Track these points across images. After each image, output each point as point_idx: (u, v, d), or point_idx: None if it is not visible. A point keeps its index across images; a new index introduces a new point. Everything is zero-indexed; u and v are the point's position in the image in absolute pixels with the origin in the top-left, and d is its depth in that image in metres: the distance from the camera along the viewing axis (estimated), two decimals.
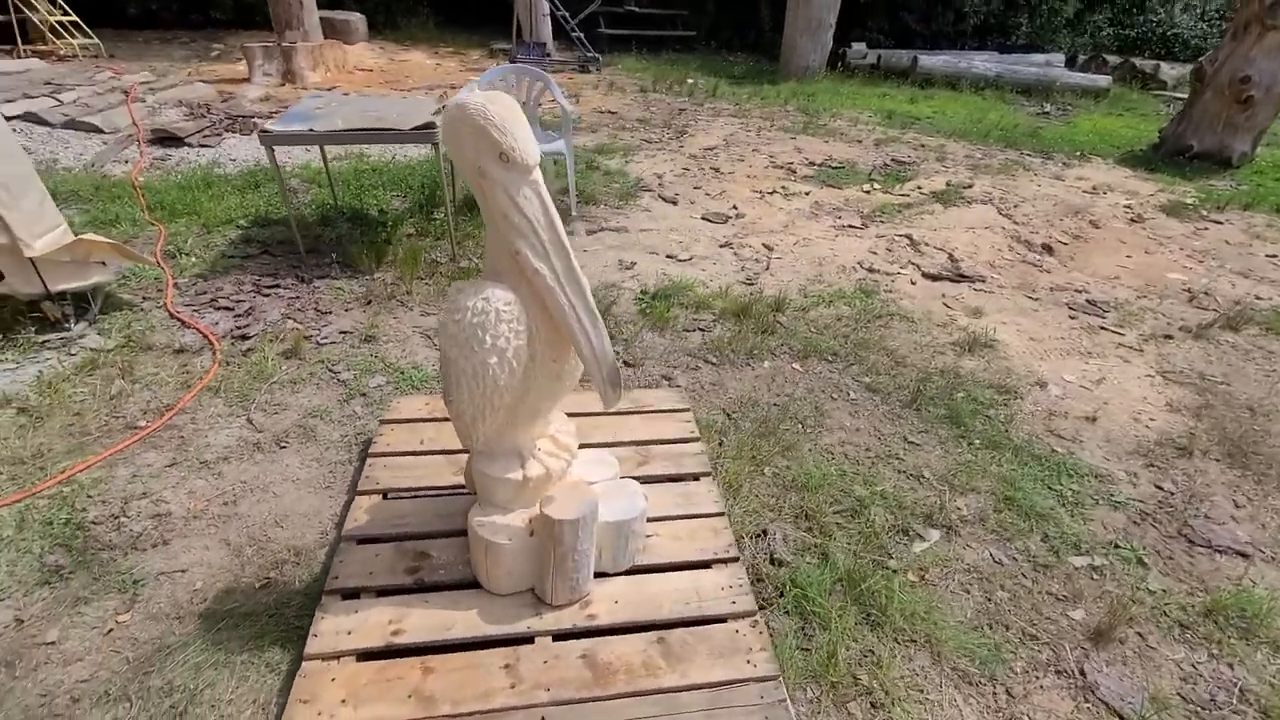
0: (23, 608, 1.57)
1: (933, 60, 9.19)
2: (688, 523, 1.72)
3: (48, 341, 2.54)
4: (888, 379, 2.60)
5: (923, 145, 6.04)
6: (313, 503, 1.91)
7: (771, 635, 1.54)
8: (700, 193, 4.54)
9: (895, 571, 1.77)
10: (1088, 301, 3.35)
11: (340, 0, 11.12)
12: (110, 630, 1.54)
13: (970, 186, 4.96)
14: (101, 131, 4.64)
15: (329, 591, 1.50)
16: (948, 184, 4.98)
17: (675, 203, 4.33)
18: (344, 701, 1.28)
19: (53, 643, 1.50)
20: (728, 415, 2.35)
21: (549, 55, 9.69)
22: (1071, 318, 3.20)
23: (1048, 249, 3.96)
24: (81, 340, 2.57)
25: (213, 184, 4.06)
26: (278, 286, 3.04)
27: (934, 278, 3.49)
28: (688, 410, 2.16)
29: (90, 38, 8.10)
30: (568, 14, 8.90)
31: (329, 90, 6.71)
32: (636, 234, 3.82)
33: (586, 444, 1.93)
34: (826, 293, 3.24)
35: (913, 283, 3.44)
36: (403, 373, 2.49)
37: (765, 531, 1.85)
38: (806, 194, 4.64)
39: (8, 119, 4.63)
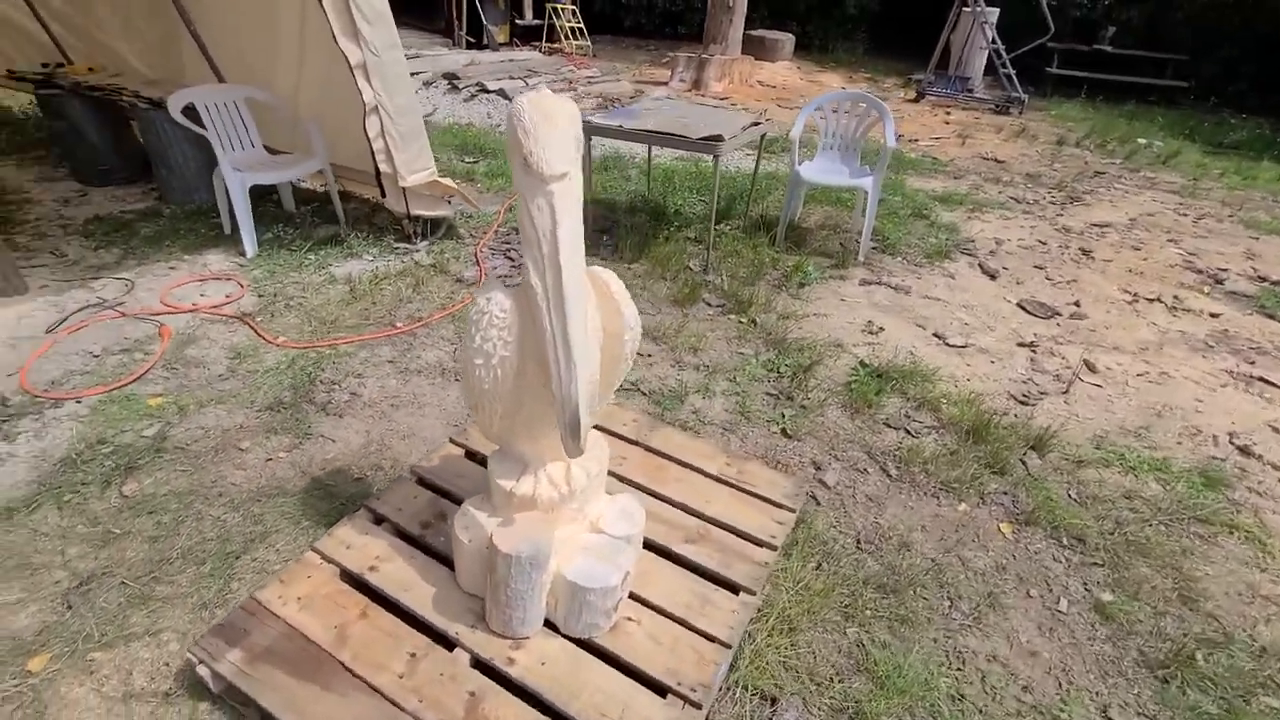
0: (246, 418, 2.20)
1: None
2: (679, 631, 1.42)
3: (398, 249, 3.43)
4: (1146, 612, 1.68)
5: None
6: (439, 433, 2.18)
7: None
8: (1039, 274, 3.56)
9: None
10: None
11: (783, 21, 11.89)
12: (269, 460, 2.04)
13: None
14: None
15: (366, 508, 1.70)
16: None
17: (995, 276, 3.49)
18: (299, 599, 1.45)
19: (243, 449, 2.07)
20: (858, 544, 1.84)
21: (970, 90, 8.73)
22: None
23: None
24: (415, 255, 3.40)
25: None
26: None
27: None
28: (792, 512, 1.76)
29: (586, 40, 10.36)
30: (1002, 48, 7.82)
31: (721, 100, 7.31)
32: (916, 300, 3.22)
33: (656, 494, 1.76)
34: (1140, 457, 2.23)
35: None
36: None
37: (775, 703, 1.41)
38: (1211, 316, 3.23)
39: (489, 91, 6.28)
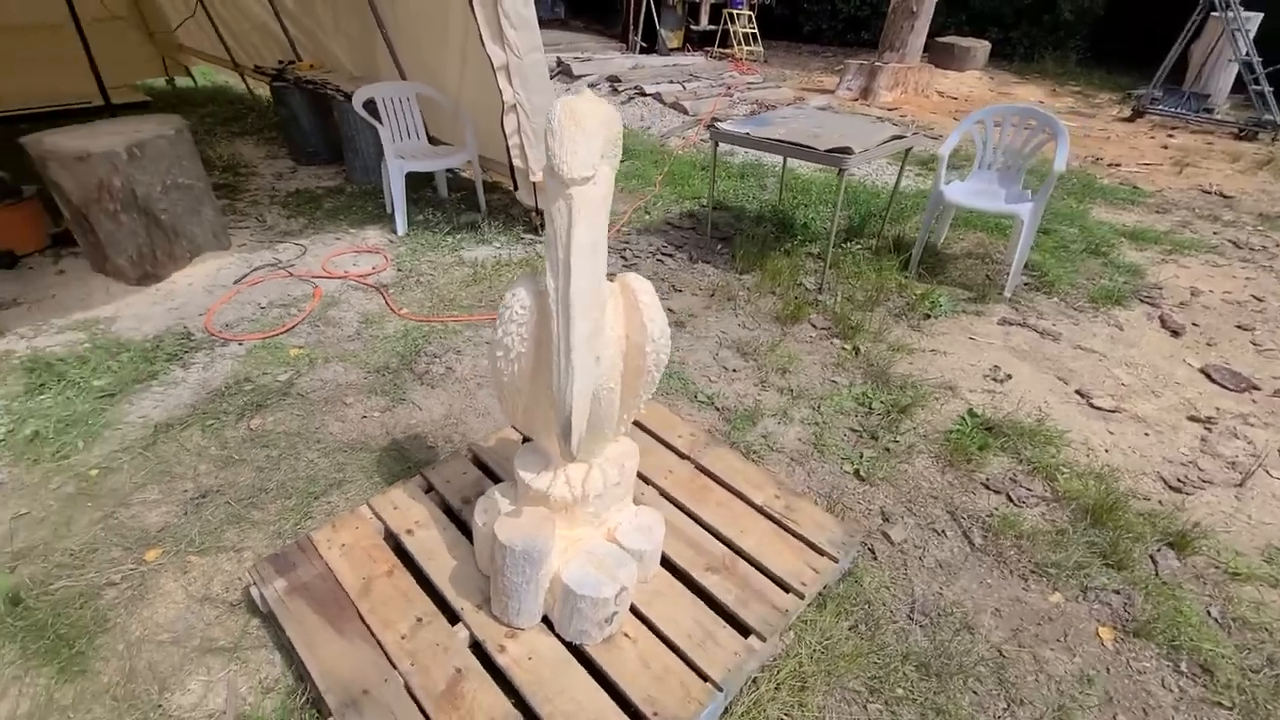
0: (357, 377, 2.46)
1: None
2: (672, 661, 1.36)
3: (524, 239, 3.64)
4: None
5: None
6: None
7: None
8: (1243, 337, 2.91)
9: None
10: None
11: (982, 28, 10.86)
12: (364, 417, 2.27)
13: None
14: (686, 114, 6.00)
15: (421, 475, 1.83)
16: None
17: (1178, 333, 2.91)
18: (342, 546, 1.60)
19: (347, 404, 2.32)
20: (910, 612, 1.63)
21: (1208, 110, 7.36)
22: None
23: None
24: (539, 245, 3.59)
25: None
26: (669, 256, 3.50)
27: None
28: (834, 561, 1.61)
29: (758, 46, 10.23)
30: (1258, 61, 6.45)
31: (890, 110, 6.85)
32: (1065, 349, 2.78)
33: (692, 514, 1.71)
34: None
35: None
36: (668, 369, 2.60)
37: None
38: None
39: (646, 94, 6.44)
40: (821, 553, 1.62)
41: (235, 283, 3.12)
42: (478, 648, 1.40)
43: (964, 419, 2.28)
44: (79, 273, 3.17)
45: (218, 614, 1.59)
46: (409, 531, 1.64)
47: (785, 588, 1.53)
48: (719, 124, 3.25)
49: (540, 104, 3.15)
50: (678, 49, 10.09)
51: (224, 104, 6.32)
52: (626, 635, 1.41)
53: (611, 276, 1.33)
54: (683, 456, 1.92)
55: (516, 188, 3.53)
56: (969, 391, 2.46)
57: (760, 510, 1.73)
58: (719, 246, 3.56)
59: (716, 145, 3.36)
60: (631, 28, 9.36)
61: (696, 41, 10.53)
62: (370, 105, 3.62)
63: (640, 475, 1.83)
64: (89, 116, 3.27)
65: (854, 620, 1.59)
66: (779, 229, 3.82)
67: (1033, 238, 3.12)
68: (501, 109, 3.09)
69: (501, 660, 1.35)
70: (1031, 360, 2.69)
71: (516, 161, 3.31)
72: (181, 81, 6.95)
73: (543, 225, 3.63)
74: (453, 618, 1.45)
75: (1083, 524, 1.87)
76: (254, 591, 1.53)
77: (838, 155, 2.82)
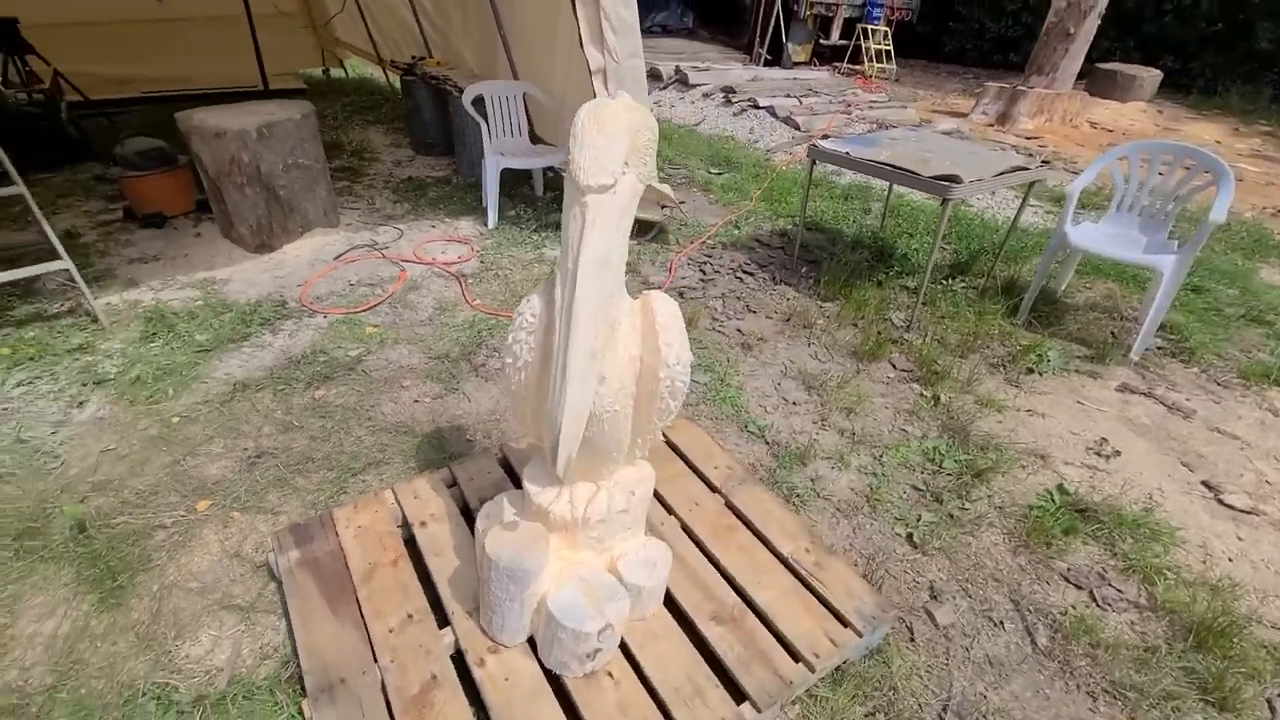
0: (419, 361, 2.53)
1: None
2: (650, 714, 1.25)
3: None
4: None
5: None
6: None
7: None
8: None
9: None
10: None
11: (1155, 55, 9.74)
12: (416, 401, 2.33)
13: None
14: (798, 130, 5.79)
15: (447, 468, 1.83)
16: None
17: None
18: (358, 527, 1.62)
19: (404, 387, 2.40)
20: (942, 712, 1.42)
21: None
22: None
23: None
24: None
25: (816, 186, 4.60)
26: (750, 275, 3.36)
27: None
28: (858, 635, 1.43)
29: (890, 64, 9.74)
30: None
31: (1029, 139, 6.27)
32: (1197, 429, 2.37)
33: (710, 555, 1.59)
34: None
35: None
36: (722, 393, 2.48)
37: None
38: None
39: (760, 107, 6.29)
40: (845, 622, 1.45)
41: (335, 259, 3.33)
42: (460, 657, 1.36)
43: (1051, 495, 1.99)
44: (211, 237, 3.51)
45: (242, 572, 1.67)
46: (423, 524, 1.64)
47: (795, 655, 1.38)
48: (818, 142, 3.07)
49: None
50: (803, 63, 9.81)
51: (365, 94, 6.86)
52: (610, 675, 1.32)
53: (641, 292, 1.25)
54: (713, 489, 1.80)
55: None
56: (1064, 464, 2.15)
57: (785, 562, 1.58)
58: (805, 269, 3.37)
59: (814, 164, 3.18)
60: (757, 39, 9.21)
61: (827, 57, 10.19)
62: (479, 102, 3.75)
63: (663, 502, 1.74)
64: (247, 100, 3.62)
65: (872, 707, 1.40)
66: (875, 257, 3.57)
67: (1174, 295, 2.69)
68: None
69: (478, 674, 1.31)
70: (1151, 437, 2.31)
71: None
72: (335, 73, 7.63)
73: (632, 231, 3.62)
74: (443, 620, 1.43)
75: (1182, 644, 1.56)
76: (270, 557, 1.58)
77: (942, 183, 2.57)
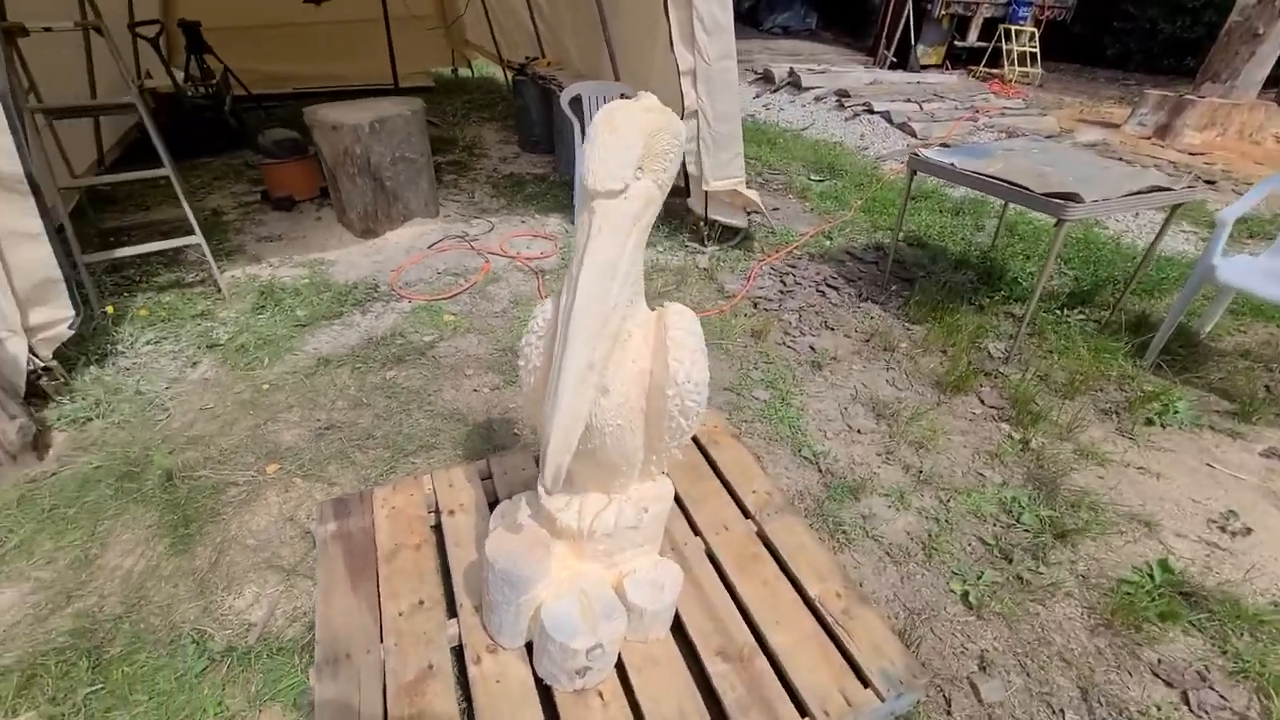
0: (485, 352, 2.61)
1: None
2: None
3: (688, 247, 3.57)
4: None
5: None
6: None
7: None
8: None
9: None
10: None
11: None
12: (475, 391, 2.39)
13: None
14: (913, 137, 5.41)
15: (486, 460, 1.86)
16: None
17: None
18: (392, 508, 1.68)
19: (467, 375, 2.47)
20: None
21: None
22: None
23: None
24: (699, 256, 3.49)
25: (925, 199, 4.27)
26: (834, 289, 3.18)
27: None
28: (877, 699, 1.28)
29: (1035, 68, 8.90)
30: None
31: (1193, 155, 5.49)
32: None
33: (729, 585, 1.51)
34: None
35: None
36: (781, 412, 2.35)
37: None
38: None
39: (874, 112, 5.96)
40: (866, 682, 1.31)
41: (428, 247, 3.52)
42: (460, 651, 1.37)
43: (1152, 570, 1.70)
44: (328, 221, 3.83)
45: (292, 535, 1.79)
46: (451, 513, 1.67)
47: (802, 709, 1.26)
48: (920, 150, 2.83)
49: (724, 111, 3.04)
50: (934, 66, 9.18)
51: (485, 93, 7.22)
52: (600, 695, 1.27)
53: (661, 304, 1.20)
54: (746, 514, 1.70)
55: (688, 195, 3.47)
56: (1174, 535, 1.83)
57: (810, 604, 1.46)
58: (896, 287, 3.14)
59: (913, 175, 2.94)
60: (883, 41, 8.72)
61: (962, 60, 9.48)
62: (576, 102, 3.82)
63: (690, 520, 1.67)
64: (377, 96, 3.92)
65: None
66: (980, 279, 3.25)
67: None
68: (681, 113, 3.04)
69: (473, 672, 1.31)
70: None
71: (690, 169, 3.25)
72: (464, 72, 8.10)
73: (711, 237, 3.54)
74: (452, 611, 1.44)
75: None
76: (311, 526, 1.68)
77: (1057, 202, 2.28)
